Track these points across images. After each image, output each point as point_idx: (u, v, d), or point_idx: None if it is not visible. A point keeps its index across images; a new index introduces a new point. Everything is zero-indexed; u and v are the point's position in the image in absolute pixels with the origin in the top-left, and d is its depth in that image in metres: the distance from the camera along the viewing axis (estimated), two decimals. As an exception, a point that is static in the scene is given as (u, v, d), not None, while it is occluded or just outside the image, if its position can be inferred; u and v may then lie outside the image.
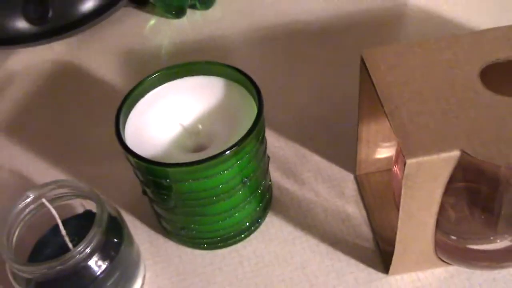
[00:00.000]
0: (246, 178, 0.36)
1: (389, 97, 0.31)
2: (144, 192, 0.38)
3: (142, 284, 0.38)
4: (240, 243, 0.40)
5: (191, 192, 0.34)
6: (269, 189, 0.41)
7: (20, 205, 0.34)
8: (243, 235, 0.40)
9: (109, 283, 0.34)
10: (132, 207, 0.43)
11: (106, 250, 0.34)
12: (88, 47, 0.59)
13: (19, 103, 0.55)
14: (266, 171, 0.39)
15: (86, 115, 0.52)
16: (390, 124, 0.30)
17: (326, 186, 0.43)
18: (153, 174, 0.34)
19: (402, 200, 0.31)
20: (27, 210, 0.35)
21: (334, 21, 0.58)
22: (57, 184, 0.35)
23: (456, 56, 0.33)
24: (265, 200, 0.40)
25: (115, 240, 0.35)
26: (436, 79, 0.32)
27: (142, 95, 0.38)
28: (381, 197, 0.42)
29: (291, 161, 0.45)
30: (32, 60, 0.59)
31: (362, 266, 0.38)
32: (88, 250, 0.33)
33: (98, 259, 0.33)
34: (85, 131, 0.51)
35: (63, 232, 0.33)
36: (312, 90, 0.51)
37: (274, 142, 0.46)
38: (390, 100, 0.31)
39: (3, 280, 0.37)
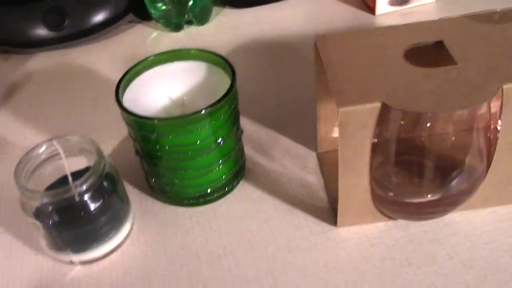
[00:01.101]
0: (220, 138, 0.43)
1: (332, 68, 0.40)
2: (137, 152, 0.45)
3: (130, 229, 0.45)
4: (216, 201, 0.48)
5: (173, 146, 0.42)
6: (242, 157, 0.49)
7: (34, 151, 0.42)
8: (218, 194, 0.47)
9: (101, 219, 0.42)
10: (126, 175, 0.51)
11: (101, 191, 0.41)
12: (99, 53, 0.69)
13: (35, 97, 0.63)
14: (239, 140, 0.47)
15: (93, 107, 0.61)
16: (330, 86, 0.38)
17: (292, 161, 0.51)
18: (144, 129, 0.42)
19: (339, 150, 0.38)
20: (41, 157, 0.42)
21: (302, 37, 0.67)
22: (67, 138, 0.43)
23: (387, 40, 0.41)
24: (238, 166, 0.48)
25: (109, 184, 0.42)
26: (369, 56, 0.40)
27: (138, 74, 0.46)
28: (335, 169, 0.49)
29: (264, 142, 0.53)
30: (49, 62, 0.68)
31: (316, 221, 0.45)
32: (84, 187, 0.40)
33: (93, 197, 0.41)
34: (92, 120, 0.59)
35: (67, 170, 0.41)
36: (282, 88, 0.60)
37: (251, 126, 0.55)
38: (333, 70, 0.39)
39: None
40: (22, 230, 0.47)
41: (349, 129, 0.37)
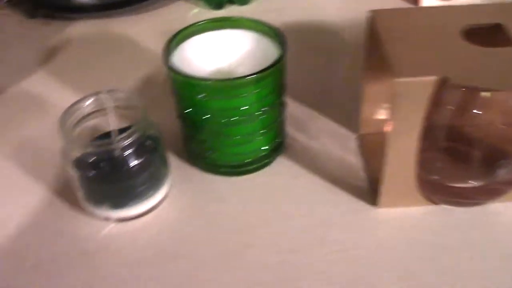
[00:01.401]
0: (265, 107, 0.43)
1: (389, 40, 0.39)
2: (179, 116, 0.45)
3: (168, 191, 0.45)
4: (254, 173, 0.47)
5: (220, 110, 0.42)
6: (283, 132, 0.48)
7: (80, 103, 0.42)
8: (256, 165, 0.47)
9: (141, 177, 0.42)
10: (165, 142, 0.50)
11: (143, 149, 0.41)
12: (139, 25, 0.69)
13: (74, 62, 0.63)
14: (281, 113, 0.46)
15: (131, 75, 0.61)
16: (387, 57, 0.37)
17: (332, 140, 0.50)
18: (192, 90, 0.41)
19: (392, 120, 0.38)
20: (86, 109, 0.42)
21: (344, 21, 0.67)
22: (115, 91, 0.43)
23: (444, 18, 0.41)
24: (278, 139, 0.47)
25: (151, 143, 0.42)
26: (426, 32, 0.40)
27: (186, 38, 0.46)
28: (376, 150, 0.48)
29: (303, 120, 0.53)
30: (89, 30, 0.68)
31: (355, 199, 0.45)
32: (127, 141, 0.40)
33: (135, 154, 0.41)
34: (129, 87, 0.59)
35: (112, 124, 0.41)
36: (324, 70, 0.60)
37: (292, 104, 0.54)
38: (390, 42, 0.39)
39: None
40: (60, 184, 0.47)
41: (404, 102, 0.36)
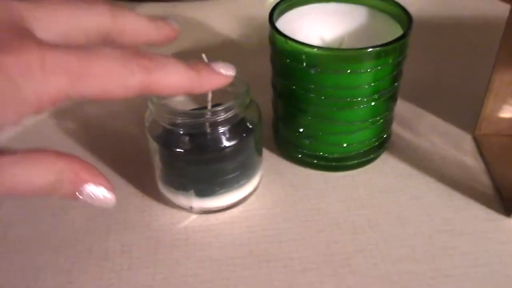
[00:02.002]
0: (380, 91, 0.36)
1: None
2: (280, 95, 0.39)
3: (259, 183, 0.39)
4: (354, 169, 0.41)
5: (331, 87, 0.35)
6: (390, 126, 0.41)
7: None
8: (358, 161, 0.40)
9: (234, 160, 0.35)
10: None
11: (239, 128, 0.35)
12: (211, 9, 0.64)
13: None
14: (394, 101, 0.40)
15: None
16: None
17: (443, 140, 0.43)
18: (303, 61, 0.35)
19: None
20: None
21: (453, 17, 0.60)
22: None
23: None
24: (385, 133, 0.41)
25: (249, 123, 0.36)
26: None
27: (293, 7, 0.40)
28: (502, 155, 0.41)
29: (407, 117, 0.46)
30: (156, 12, 0.63)
31: (481, 207, 0.37)
32: (223, 115, 0.33)
33: (230, 133, 0.34)
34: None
35: (209, 97, 0.35)
36: (433, 63, 0.53)
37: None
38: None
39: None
40: (136, 165, 0.41)
41: None
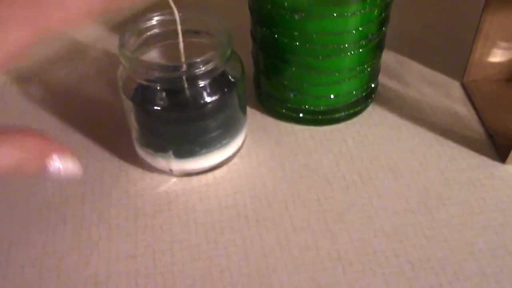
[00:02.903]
0: (367, 37, 0.34)
1: None
2: (261, 45, 0.36)
3: (242, 143, 0.36)
4: (341, 123, 0.39)
5: (318, 33, 0.33)
6: (377, 74, 0.39)
7: (145, 19, 0.33)
8: (346, 113, 0.38)
9: (216, 118, 0.33)
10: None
11: (221, 83, 0.32)
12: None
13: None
14: (381, 49, 0.38)
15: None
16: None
17: (430, 88, 0.42)
18: (286, 7, 0.32)
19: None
20: (152, 29, 0.33)
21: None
22: (187, 9, 0.33)
23: None
24: (372, 83, 0.39)
25: (230, 78, 0.33)
26: None
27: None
28: (492, 100, 0.40)
29: (394, 67, 0.44)
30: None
31: (474, 154, 0.36)
32: (203, 69, 0.31)
33: (211, 87, 0.32)
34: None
35: (181, 48, 0.32)
36: (415, 9, 0.50)
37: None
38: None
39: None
40: (110, 130, 0.39)
41: None
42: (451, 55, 0.44)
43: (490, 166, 0.35)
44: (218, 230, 0.32)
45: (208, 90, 0.32)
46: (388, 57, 0.44)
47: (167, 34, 0.34)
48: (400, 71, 0.43)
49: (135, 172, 0.36)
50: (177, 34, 0.33)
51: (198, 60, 0.30)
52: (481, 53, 0.40)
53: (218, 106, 0.32)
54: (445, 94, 0.41)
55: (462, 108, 0.40)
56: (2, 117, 0.40)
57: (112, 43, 0.48)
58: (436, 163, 0.36)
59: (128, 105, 0.32)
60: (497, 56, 0.40)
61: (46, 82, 0.44)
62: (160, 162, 0.34)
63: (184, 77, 0.30)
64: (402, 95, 0.41)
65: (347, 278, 0.29)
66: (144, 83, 0.31)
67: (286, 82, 0.36)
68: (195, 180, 0.35)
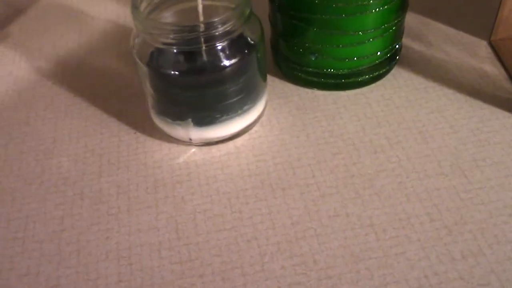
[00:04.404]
0: (395, -9, 0.32)
1: None
2: (280, 7, 0.34)
3: (264, 109, 0.35)
4: (365, 87, 0.37)
5: (341, -11, 0.31)
6: (401, 35, 0.37)
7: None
8: (370, 75, 0.36)
9: (236, 82, 0.31)
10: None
11: (240, 45, 0.31)
12: None
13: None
14: (405, 9, 0.36)
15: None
16: None
17: (456, 48, 0.40)
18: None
19: None
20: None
21: None
22: None
23: None
24: (396, 44, 0.37)
25: (250, 40, 0.31)
26: None
27: None
28: (522, 58, 0.38)
29: (415, 28, 0.42)
30: None
31: (507, 114, 0.34)
32: (221, 30, 0.29)
33: (230, 50, 0.30)
34: None
35: (200, 5, 0.30)
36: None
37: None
38: None
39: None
40: (124, 101, 0.37)
41: None
42: (476, 14, 0.43)
43: (525, 126, 0.34)
44: (242, 199, 0.31)
45: (227, 52, 0.30)
46: (410, 18, 0.42)
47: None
48: (423, 31, 0.41)
49: (152, 143, 0.34)
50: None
51: (216, 19, 0.29)
52: (510, 10, 0.38)
53: (237, 70, 0.31)
54: (472, 54, 0.39)
55: (491, 68, 0.38)
56: (14, 93, 0.39)
57: (118, 14, 0.46)
58: (467, 125, 0.34)
59: (144, 72, 0.31)
60: (527, 12, 0.38)
61: (56, 55, 0.42)
62: (179, 131, 0.32)
63: (201, 39, 0.29)
64: (426, 56, 0.39)
65: (381, 245, 0.28)
66: (160, 46, 0.29)
67: (307, 44, 0.35)
68: (215, 149, 0.34)
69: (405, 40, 0.40)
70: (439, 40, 0.41)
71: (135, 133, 0.35)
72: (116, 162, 0.33)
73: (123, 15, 0.46)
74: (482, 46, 0.40)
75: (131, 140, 0.35)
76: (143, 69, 0.30)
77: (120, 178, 0.32)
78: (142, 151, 0.34)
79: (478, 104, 0.35)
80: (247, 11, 0.30)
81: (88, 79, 0.40)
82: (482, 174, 0.31)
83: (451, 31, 0.41)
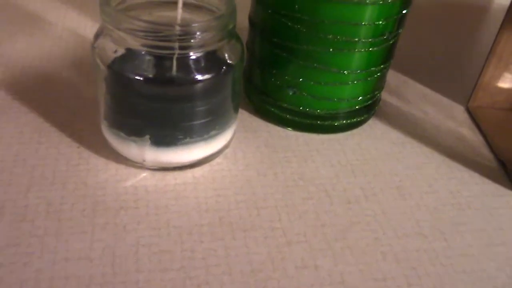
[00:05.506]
0: (387, 33, 0.30)
1: None
2: (262, 33, 0.31)
3: (230, 140, 0.31)
4: (340, 133, 0.34)
5: (332, 21, 0.29)
6: (383, 84, 0.35)
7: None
8: (347, 121, 0.34)
9: (206, 101, 0.27)
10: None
11: (215, 59, 0.27)
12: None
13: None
14: (392, 55, 0.34)
15: None
16: None
17: (433, 109, 0.38)
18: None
19: None
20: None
21: None
22: None
23: None
24: (376, 93, 0.35)
25: (227, 58, 0.28)
26: None
27: None
28: (500, 126, 0.37)
29: (393, 84, 0.40)
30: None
31: (487, 180, 0.32)
32: (197, 35, 0.25)
33: (204, 61, 0.26)
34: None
35: (180, 9, 0.26)
36: (421, 32, 0.47)
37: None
38: None
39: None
40: (71, 111, 0.33)
41: None
42: (454, 78, 0.42)
43: (506, 195, 0.31)
44: (196, 237, 0.26)
45: (202, 65, 0.26)
46: (388, 75, 0.40)
47: (158, 4, 0.29)
48: (401, 88, 0.40)
49: (97, 161, 0.29)
50: (168, 4, 0.28)
51: (195, 25, 0.25)
52: (491, 76, 0.37)
53: (210, 87, 0.27)
54: (449, 116, 0.37)
55: (468, 132, 0.36)
56: None
57: (79, 22, 0.42)
58: (446, 186, 0.31)
59: (102, 74, 0.26)
60: (507, 82, 0.37)
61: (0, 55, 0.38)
62: (132, 149, 0.28)
63: (176, 44, 0.25)
64: (404, 112, 0.37)
65: (352, 306, 0.24)
66: (127, 46, 0.25)
67: (286, 77, 0.32)
68: (170, 176, 0.29)
69: (383, 94, 0.38)
70: (417, 99, 0.39)
71: (78, 147, 0.30)
72: (51, 177, 0.28)
73: (83, 24, 0.42)
74: (459, 111, 0.38)
75: (73, 154, 0.30)
76: (102, 71, 0.26)
77: (53, 195, 0.27)
78: (85, 168, 0.29)
79: (456, 166, 0.33)
80: (230, 25, 0.27)
81: (32, 84, 0.35)
82: (463, 239, 0.28)
83: (428, 91, 0.40)
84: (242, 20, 0.32)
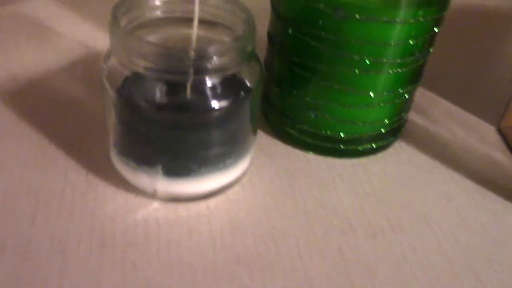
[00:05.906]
0: (416, 53, 0.28)
1: None
2: (281, 50, 0.29)
3: (248, 167, 0.29)
4: (364, 157, 0.32)
5: (359, 40, 0.27)
6: (410, 106, 0.33)
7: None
8: (371, 145, 0.32)
9: (221, 130, 0.25)
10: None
11: (233, 85, 0.25)
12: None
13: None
14: (420, 76, 0.32)
15: None
16: None
17: (463, 129, 0.36)
18: (326, 3, 0.26)
19: None
20: (154, 12, 0.26)
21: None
22: None
23: None
24: (403, 114, 0.32)
25: (247, 82, 0.26)
26: None
27: None
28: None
29: (419, 102, 0.38)
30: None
31: (522, 210, 0.30)
32: (215, 60, 0.23)
33: (220, 87, 0.24)
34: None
35: (195, 29, 0.25)
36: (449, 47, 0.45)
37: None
38: None
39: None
40: (80, 133, 0.31)
41: None
42: (484, 95, 0.39)
43: (543, 227, 0.29)
44: (210, 277, 0.24)
45: (218, 92, 0.24)
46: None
47: (171, 21, 0.27)
48: (428, 107, 0.38)
49: (106, 190, 0.28)
50: (182, 21, 0.26)
51: (212, 48, 0.23)
52: (525, 96, 0.35)
53: (228, 115, 0.25)
54: (479, 138, 0.35)
55: (501, 156, 0.34)
56: None
57: (91, 36, 0.41)
58: (478, 217, 0.29)
59: (111, 99, 0.25)
60: (543, 101, 0.35)
61: (6, 68, 0.36)
62: (143, 179, 0.26)
63: (191, 69, 0.23)
64: (431, 133, 0.35)
65: None
66: (138, 70, 0.23)
67: (307, 99, 0.30)
68: (183, 208, 0.27)
69: (410, 114, 0.36)
70: (445, 118, 0.37)
71: (87, 175, 0.28)
72: (56, 207, 0.26)
73: (95, 38, 0.40)
74: (490, 131, 0.36)
75: (80, 182, 0.28)
76: (111, 96, 0.24)
77: (58, 228, 0.25)
78: (92, 197, 0.27)
79: (489, 196, 0.31)
80: (250, 48, 0.25)
81: (40, 102, 0.33)
82: (500, 281, 0.26)
83: (457, 110, 0.38)
84: (259, 33, 0.30)
